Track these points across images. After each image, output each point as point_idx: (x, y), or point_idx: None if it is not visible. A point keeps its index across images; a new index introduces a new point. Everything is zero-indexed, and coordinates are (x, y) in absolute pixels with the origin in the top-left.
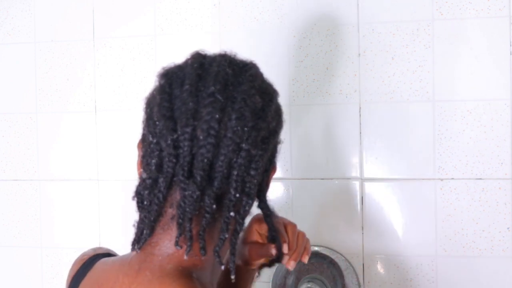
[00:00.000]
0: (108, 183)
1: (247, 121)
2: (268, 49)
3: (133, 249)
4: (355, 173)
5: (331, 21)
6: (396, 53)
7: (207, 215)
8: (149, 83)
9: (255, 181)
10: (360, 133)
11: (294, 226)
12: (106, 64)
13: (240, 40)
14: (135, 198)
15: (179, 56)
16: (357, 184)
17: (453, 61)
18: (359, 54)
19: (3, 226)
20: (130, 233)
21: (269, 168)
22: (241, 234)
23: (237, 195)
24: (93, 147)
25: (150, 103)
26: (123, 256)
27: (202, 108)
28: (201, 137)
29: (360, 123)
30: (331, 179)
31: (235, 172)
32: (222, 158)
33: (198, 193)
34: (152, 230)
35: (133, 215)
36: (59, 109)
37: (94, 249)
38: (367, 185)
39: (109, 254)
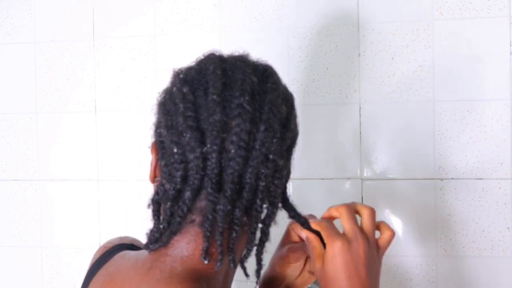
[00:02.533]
0: (108, 183)
1: (275, 132)
2: (268, 49)
3: (148, 251)
4: (355, 173)
5: (331, 21)
6: (396, 53)
7: (236, 228)
8: (149, 83)
9: (279, 190)
10: (360, 133)
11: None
12: (106, 64)
13: (240, 40)
14: (151, 207)
15: (179, 56)
16: (357, 184)
17: (453, 61)
18: (359, 54)
19: (3, 226)
20: (130, 233)
21: (289, 173)
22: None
23: (264, 205)
24: (93, 147)
25: (170, 110)
26: (139, 252)
27: (231, 119)
28: (232, 150)
29: (360, 123)
30: (331, 179)
31: (262, 183)
32: (250, 170)
33: (229, 207)
34: (169, 240)
35: (133, 215)
36: (59, 109)
37: (120, 238)
38: (367, 185)
39: (133, 245)
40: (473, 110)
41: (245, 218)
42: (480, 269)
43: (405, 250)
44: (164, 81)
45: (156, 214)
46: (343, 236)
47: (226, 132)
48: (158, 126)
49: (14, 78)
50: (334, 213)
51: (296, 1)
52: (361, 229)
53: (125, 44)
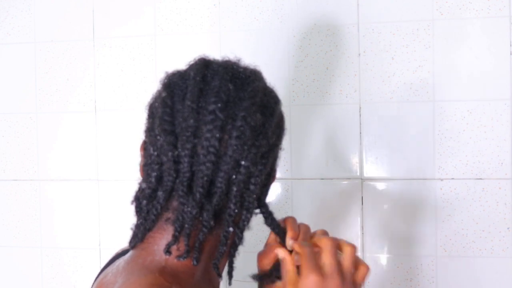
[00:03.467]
0: (108, 183)
1: (247, 139)
2: (268, 49)
3: (129, 248)
4: (355, 173)
5: (331, 21)
6: (396, 53)
7: (204, 230)
8: (149, 83)
9: (254, 195)
10: (360, 133)
11: (291, 218)
12: (106, 64)
13: (240, 40)
14: (134, 203)
15: (179, 56)
16: (357, 184)
17: (453, 61)
18: (359, 54)
19: (3, 226)
20: (130, 233)
21: (269, 179)
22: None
23: (236, 210)
24: (93, 147)
25: (152, 113)
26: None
27: (203, 125)
28: (201, 155)
29: (360, 123)
30: (331, 179)
31: (234, 188)
32: (221, 175)
33: (197, 210)
34: (144, 236)
35: (133, 215)
36: (59, 109)
37: None
38: (367, 185)
39: None
40: (473, 110)
41: (212, 222)
42: (480, 269)
43: (405, 250)
44: None
45: (138, 211)
46: (319, 270)
47: (198, 137)
48: (145, 127)
49: (14, 78)
50: (318, 243)
51: (296, 1)
52: (340, 266)
53: (125, 44)
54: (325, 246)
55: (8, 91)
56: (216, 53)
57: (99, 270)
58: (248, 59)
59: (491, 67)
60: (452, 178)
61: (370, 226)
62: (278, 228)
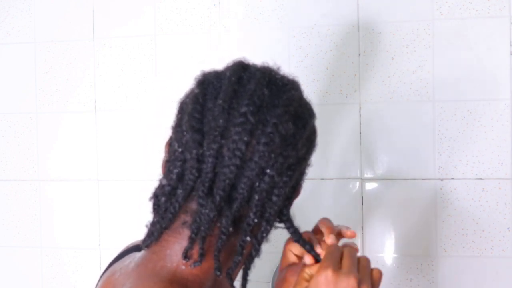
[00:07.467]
0: (108, 183)
1: (275, 147)
2: (268, 49)
3: (142, 247)
4: (355, 173)
5: (331, 21)
6: (396, 53)
7: (223, 237)
8: (149, 83)
9: (276, 207)
10: (360, 133)
11: (326, 219)
12: (106, 64)
13: (240, 40)
14: (152, 200)
15: (179, 56)
16: (357, 184)
17: (453, 61)
18: (359, 54)
19: (3, 226)
20: (130, 233)
21: (293, 193)
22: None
23: (256, 220)
24: (93, 147)
25: (182, 109)
26: (141, 252)
27: (232, 127)
28: (226, 157)
29: (360, 123)
30: (331, 179)
31: (256, 197)
32: (244, 180)
33: (215, 213)
34: (160, 235)
35: (133, 215)
36: (59, 109)
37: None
38: (367, 185)
39: None
40: (473, 110)
41: (231, 229)
42: (480, 269)
43: (405, 250)
44: (164, 81)
45: (156, 208)
46: (338, 268)
47: (225, 138)
48: (173, 123)
49: (14, 78)
50: (341, 249)
51: (296, 1)
52: (357, 270)
53: (125, 44)
54: (347, 252)
55: (8, 91)
56: (216, 53)
57: (99, 270)
58: (248, 59)
59: (491, 67)
60: (452, 178)
61: (370, 226)
62: (306, 243)
